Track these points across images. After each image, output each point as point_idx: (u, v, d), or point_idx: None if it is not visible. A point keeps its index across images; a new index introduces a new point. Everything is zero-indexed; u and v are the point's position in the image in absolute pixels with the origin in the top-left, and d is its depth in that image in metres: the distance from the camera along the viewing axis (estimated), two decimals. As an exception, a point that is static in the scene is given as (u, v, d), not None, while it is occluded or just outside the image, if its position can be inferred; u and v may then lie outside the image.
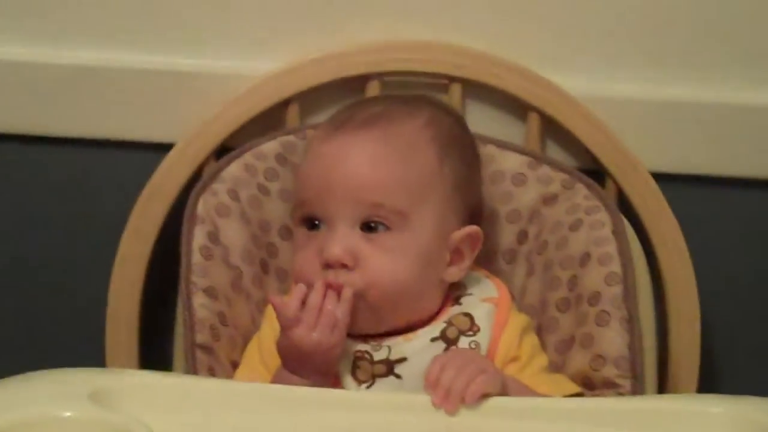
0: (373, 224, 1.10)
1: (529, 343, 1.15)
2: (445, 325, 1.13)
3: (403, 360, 1.10)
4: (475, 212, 1.18)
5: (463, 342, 1.11)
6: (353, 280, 1.09)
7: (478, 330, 1.12)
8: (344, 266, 1.09)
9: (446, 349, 1.11)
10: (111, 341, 1.28)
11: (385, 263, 1.09)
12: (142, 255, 1.29)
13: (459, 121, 1.22)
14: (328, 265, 1.09)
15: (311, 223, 1.12)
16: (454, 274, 1.15)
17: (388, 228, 1.10)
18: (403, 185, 1.11)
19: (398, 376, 1.09)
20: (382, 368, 1.10)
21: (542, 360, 1.16)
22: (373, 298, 1.09)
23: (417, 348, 1.11)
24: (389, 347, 1.10)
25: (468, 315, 1.13)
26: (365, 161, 1.11)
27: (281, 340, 1.08)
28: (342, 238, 1.10)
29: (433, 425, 0.99)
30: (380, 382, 1.09)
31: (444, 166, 1.14)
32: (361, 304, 1.09)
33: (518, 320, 1.16)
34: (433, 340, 1.12)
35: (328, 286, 1.08)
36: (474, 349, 1.11)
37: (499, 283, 1.19)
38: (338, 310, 1.07)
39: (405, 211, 1.10)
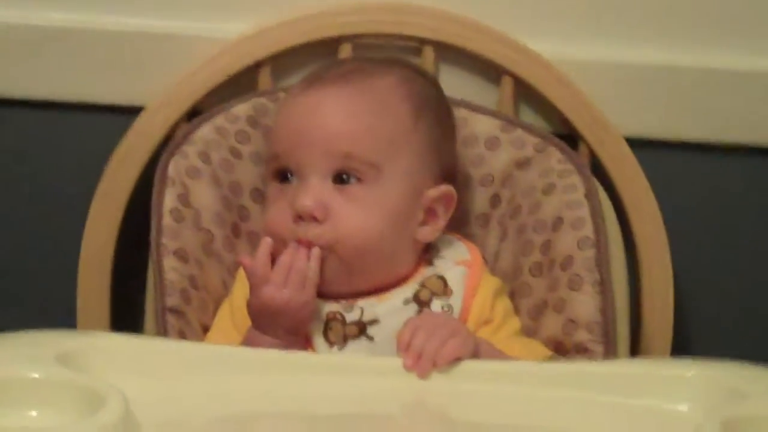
0: (345, 176, 1.11)
1: (501, 306, 1.16)
2: (418, 287, 1.13)
3: (375, 322, 1.10)
4: (450, 175, 1.18)
5: (436, 304, 1.11)
6: (323, 232, 1.09)
7: (451, 293, 1.12)
8: (315, 219, 1.09)
9: (419, 311, 1.11)
10: (82, 305, 1.28)
11: (355, 215, 1.10)
12: (112, 219, 1.29)
13: (433, 83, 1.22)
14: (299, 218, 1.10)
15: (283, 176, 1.12)
16: (427, 233, 1.15)
17: (359, 180, 1.11)
18: (375, 137, 1.11)
19: (370, 338, 1.09)
20: (354, 329, 1.10)
21: (515, 323, 1.16)
22: (343, 252, 1.09)
23: (389, 309, 1.11)
24: (361, 308, 1.11)
25: (441, 277, 1.13)
26: (337, 112, 1.11)
27: (251, 300, 1.08)
28: (313, 190, 1.10)
29: (405, 389, 1.00)
30: (352, 344, 1.09)
31: (418, 123, 1.14)
32: (331, 259, 1.09)
33: (491, 283, 1.16)
34: (406, 302, 1.12)
35: (299, 242, 1.08)
36: (447, 311, 1.11)
37: (472, 246, 1.19)
38: (308, 267, 1.07)
39: (377, 163, 1.10)
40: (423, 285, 1.13)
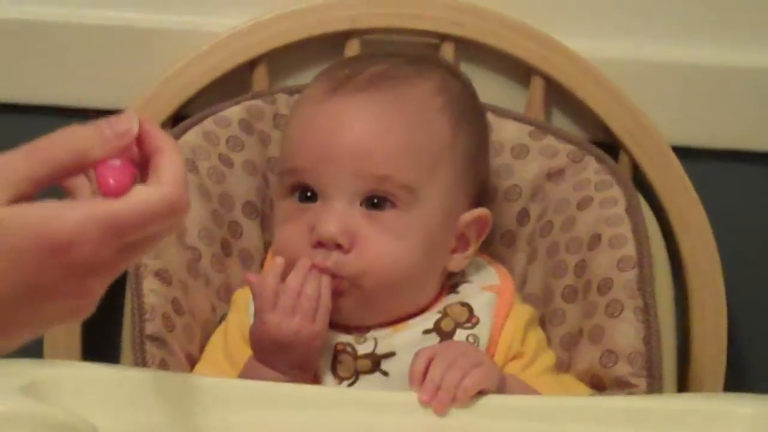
0: (377, 200, 1.09)
1: (534, 339, 1.14)
2: (439, 315, 1.12)
3: (391, 355, 1.09)
4: (483, 194, 1.18)
5: (460, 335, 1.10)
6: (347, 262, 1.08)
7: (477, 322, 1.11)
8: (339, 247, 1.08)
9: (440, 342, 1.09)
10: (50, 331, 1.27)
11: (388, 246, 1.08)
12: (87, 236, 1.28)
13: (469, 87, 1.21)
14: (320, 244, 1.08)
15: (302, 193, 1.11)
16: (458, 262, 1.14)
17: (393, 205, 1.09)
18: (413, 157, 1.10)
19: (385, 373, 1.08)
20: (367, 364, 1.09)
21: (548, 359, 1.15)
22: (368, 285, 1.08)
23: (407, 341, 1.10)
24: (375, 339, 1.10)
25: (466, 305, 1.12)
26: (371, 127, 1.10)
27: (254, 327, 1.08)
28: (339, 214, 1.08)
29: (421, 427, 0.98)
30: (364, 379, 1.08)
31: (457, 138, 1.14)
32: (353, 292, 1.08)
33: (522, 312, 1.15)
34: (426, 332, 1.11)
35: (312, 266, 1.07)
36: (472, 343, 1.10)
37: (502, 270, 1.18)
38: (322, 295, 1.06)
39: (414, 186, 1.09)
40: (445, 313, 1.12)
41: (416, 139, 1.11)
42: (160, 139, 0.74)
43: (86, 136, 0.72)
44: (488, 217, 1.15)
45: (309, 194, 1.11)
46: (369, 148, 1.09)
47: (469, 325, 1.11)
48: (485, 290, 1.15)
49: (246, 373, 1.08)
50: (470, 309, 1.12)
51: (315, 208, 1.10)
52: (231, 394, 0.98)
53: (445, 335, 1.10)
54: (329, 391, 1.06)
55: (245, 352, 1.10)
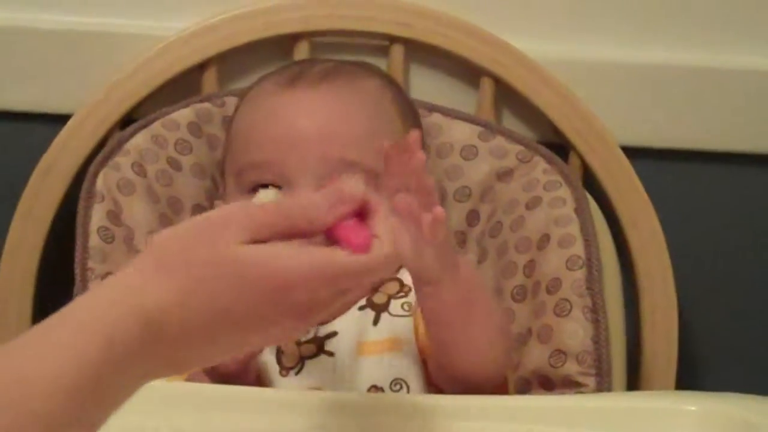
0: None
1: None
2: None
3: (332, 335, 1.08)
4: None
5: (395, 305, 1.10)
6: None
7: (409, 290, 1.11)
8: None
9: (376, 316, 1.09)
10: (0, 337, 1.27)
11: None
12: (35, 242, 1.28)
13: (403, 90, 1.23)
14: None
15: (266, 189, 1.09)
16: None
17: None
18: (373, 142, 1.09)
19: (330, 354, 1.08)
20: (311, 348, 1.08)
21: None
22: None
23: (346, 319, 1.09)
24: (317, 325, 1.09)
25: (395, 278, 1.12)
26: (334, 113, 1.11)
27: None
28: None
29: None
30: (310, 364, 1.08)
31: (406, 129, 1.14)
32: None
33: None
34: (361, 308, 1.10)
35: None
36: (407, 311, 1.09)
37: None
38: None
39: (378, 172, 1.08)
40: (376, 289, 1.11)
41: (376, 126, 1.12)
42: (375, 202, 0.81)
43: (317, 204, 0.79)
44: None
45: (269, 187, 1.09)
46: (335, 132, 1.10)
47: (402, 294, 1.10)
48: None
49: (189, 380, 1.07)
50: (400, 281, 1.12)
51: None
52: (169, 398, 0.97)
53: (380, 308, 1.10)
54: (276, 395, 1.05)
55: None
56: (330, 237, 0.80)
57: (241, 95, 1.22)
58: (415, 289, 1.02)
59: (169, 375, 0.78)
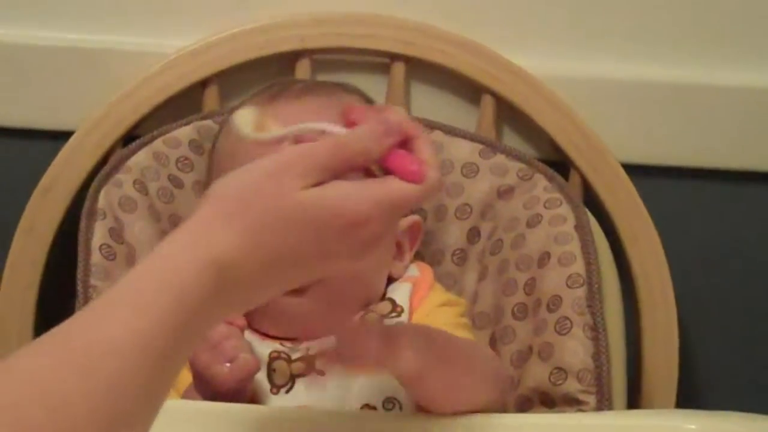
0: None
1: (442, 317, 1.12)
2: (362, 312, 1.11)
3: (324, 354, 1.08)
4: None
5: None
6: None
7: (402, 310, 1.11)
8: None
9: None
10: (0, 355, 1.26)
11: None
12: (37, 259, 1.28)
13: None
14: None
15: None
16: (398, 269, 1.15)
17: None
18: None
19: (321, 372, 1.08)
20: (301, 366, 1.08)
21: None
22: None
23: None
24: (307, 346, 1.09)
25: (389, 299, 1.12)
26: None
27: (192, 358, 1.06)
28: None
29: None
30: (301, 383, 1.07)
31: None
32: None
33: (437, 296, 1.14)
34: None
35: None
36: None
37: (423, 266, 1.18)
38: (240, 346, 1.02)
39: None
40: (368, 309, 1.11)
41: None
42: (413, 128, 0.85)
43: (369, 138, 0.83)
44: (420, 224, 1.15)
45: None
46: None
47: (394, 314, 1.10)
48: (403, 282, 1.15)
49: (184, 397, 1.07)
50: (393, 302, 1.12)
51: None
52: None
53: None
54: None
55: (187, 379, 1.08)
56: (385, 167, 0.83)
57: (222, 122, 1.20)
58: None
59: (237, 314, 0.83)
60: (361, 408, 1.06)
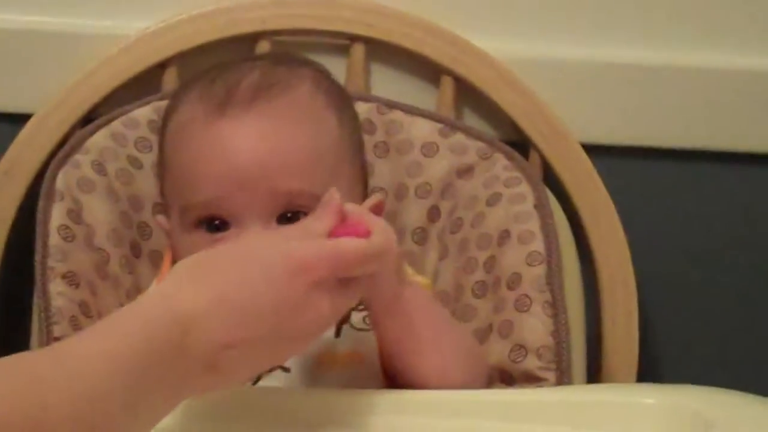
0: (290, 215, 1.06)
1: None
2: None
3: None
4: (366, 177, 1.17)
5: (356, 317, 1.08)
6: None
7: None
8: None
9: (337, 327, 1.08)
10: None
11: None
12: (-5, 242, 1.27)
13: (328, 73, 1.17)
14: None
15: (211, 224, 1.07)
16: None
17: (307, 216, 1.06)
18: (318, 163, 1.07)
19: (286, 369, 1.07)
20: None
21: None
22: None
23: None
24: None
25: None
26: (274, 144, 1.06)
27: None
28: None
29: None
30: (266, 379, 1.07)
31: (344, 130, 1.12)
32: None
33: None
34: None
35: None
36: (369, 325, 1.09)
37: None
38: None
39: (323, 193, 1.06)
40: None
41: (316, 144, 1.08)
42: (349, 207, 0.97)
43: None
44: (383, 204, 1.13)
45: (217, 223, 1.06)
46: (279, 164, 1.06)
47: (362, 306, 1.07)
48: None
49: None
50: None
51: (229, 236, 1.05)
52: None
53: (341, 320, 1.08)
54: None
55: None
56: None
57: (168, 108, 1.15)
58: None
59: (211, 384, 0.86)
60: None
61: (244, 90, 1.08)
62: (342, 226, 0.93)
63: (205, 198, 1.06)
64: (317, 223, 0.93)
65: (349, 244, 0.91)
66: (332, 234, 0.92)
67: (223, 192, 1.05)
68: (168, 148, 1.12)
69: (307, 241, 0.90)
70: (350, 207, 0.96)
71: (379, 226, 0.94)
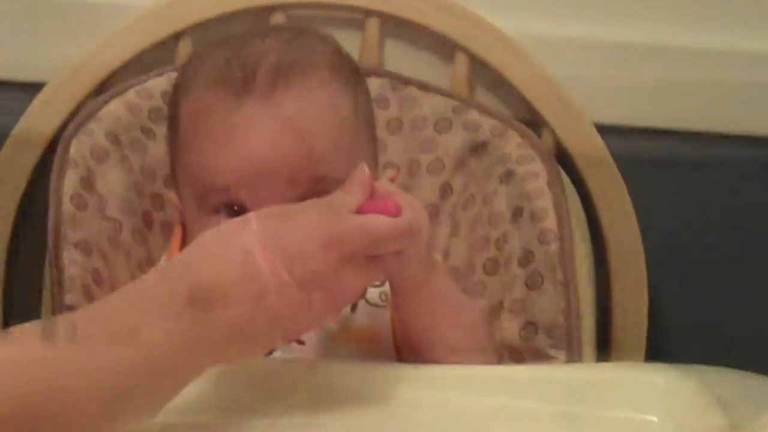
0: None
1: None
2: None
3: None
4: (377, 151, 1.16)
5: (372, 293, 1.08)
6: None
7: (386, 279, 1.10)
8: None
9: (353, 305, 1.08)
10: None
11: None
12: (7, 209, 1.27)
13: (338, 47, 1.15)
14: None
15: (231, 210, 1.05)
16: None
17: None
18: (338, 148, 1.06)
19: (300, 342, 1.07)
20: None
21: None
22: None
23: None
24: None
25: None
26: (295, 131, 1.05)
27: None
28: None
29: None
30: (280, 350, 1.07)
31: (359, 110, 1.11)
32: None
33: None
34: None
35: None
36: (384, 301, 1.09)
37: None
38: None
39: (345, 178, 1.01)
40: None
41: (335, 128, 1.08)
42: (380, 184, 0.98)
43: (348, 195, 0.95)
44: (396, 179, 1.12)
45: (236, 209, 1.05)
46: (300, 153, 1.05)
47: (377, 283, 1.07)
48: None
49: None
50: None
51: None
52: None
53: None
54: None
55: None
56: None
57: (181, 86, 1.12)
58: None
59: (235, 355, 0.88)
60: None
61: (263, 75, 1.07)
62: (372, 203, 0.93)
63: (224, 185, 1.05)
64: (347, 197, 0.93)
65: (381, 221, 0.91)
66: (361, 210, 0.92)
67: (245, 180, 1.05)
68: (184, 131, 1.10)
69: (340, 216, 0.90)
70: (381, 184, 0.96)
71: (410, 205, 0.94)
